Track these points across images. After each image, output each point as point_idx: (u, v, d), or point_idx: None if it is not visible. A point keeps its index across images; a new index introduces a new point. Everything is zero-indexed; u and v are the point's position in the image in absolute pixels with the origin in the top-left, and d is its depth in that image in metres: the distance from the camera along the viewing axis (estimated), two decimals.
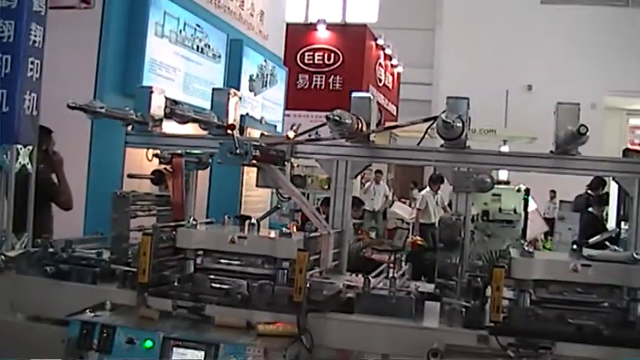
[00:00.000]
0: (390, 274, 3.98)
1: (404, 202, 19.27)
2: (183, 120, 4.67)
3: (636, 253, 3.61)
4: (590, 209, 13.56)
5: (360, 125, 4.33)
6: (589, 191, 15.75)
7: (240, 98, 5.20)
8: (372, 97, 4.61)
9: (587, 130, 3.90)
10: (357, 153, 4.56)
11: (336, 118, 4.06)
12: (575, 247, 3.87)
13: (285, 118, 14.30)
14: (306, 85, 19.76)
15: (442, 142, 4.37)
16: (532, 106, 21.51)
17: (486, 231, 10.59)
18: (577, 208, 14.53)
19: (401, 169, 24.97)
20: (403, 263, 4.49)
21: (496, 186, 11.68)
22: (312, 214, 4.35)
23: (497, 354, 3.41)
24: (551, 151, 4.39)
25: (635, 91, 25.36)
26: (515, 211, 11.13)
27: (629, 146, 21.22)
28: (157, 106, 4.80)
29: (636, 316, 3.52)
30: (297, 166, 13.60)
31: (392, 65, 24.29)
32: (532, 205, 11.92)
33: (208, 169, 5.15)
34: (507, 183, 14.05)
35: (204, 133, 4.92)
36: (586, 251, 3.79)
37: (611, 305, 3.61)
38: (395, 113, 25.00)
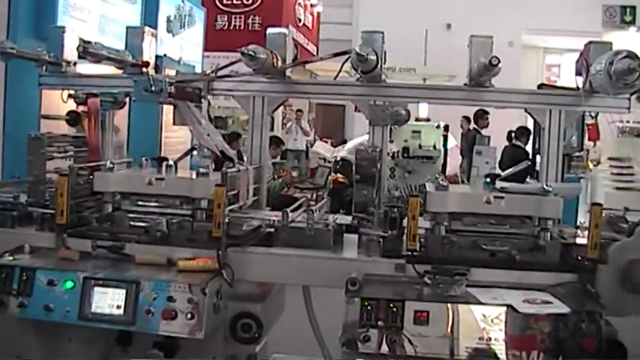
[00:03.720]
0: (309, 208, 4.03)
1: (326, 142, 19.35)
2: (97, 59, 4.60)
3: (546, 185, 3.73)
4: (514, 142, 13.87)
5: (275, 60, 4.33)
6: (474, 126, 16.12)
7: (155, 36, 5.14)
8: (287, 33, 4.60)
9: (499, 62, 3.97)
10: (273, 88, 4.56)
11: (251, 53, 4.04)
12: (488, 179, 3.97)
13: (205, 59, 14.15)
14: (225, 25, 19.50)
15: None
16: (451, 44, 21.59)
17: (407, 167, 10.65)
18: (467, 143, 14.92)
19: (322, 108, 25.00)
20: (325, 200, 4.53)
21: (416, 123, 11.83)
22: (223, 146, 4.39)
23: (415, 281, 3.50)
24: (465, 84, 4.47)
25: (552, 29, 25.68)
26: (434, 147, 11.23)
27: (546, 82, 21.59)
28: (70, 46, 4.71)
29: (546, 241, 3.65)
30: (218, 107, 13.55)
31: (311, 5, 24.12)
32: (452, 142, 12.06)
33: (127, 110, 5.10)
34: (427, 120, 14.18)
35: (120, 72, 4.87)
36: (499, 184, 3.89)
37: (524, 235, 3.72)
38: (315, 53, 24.89)
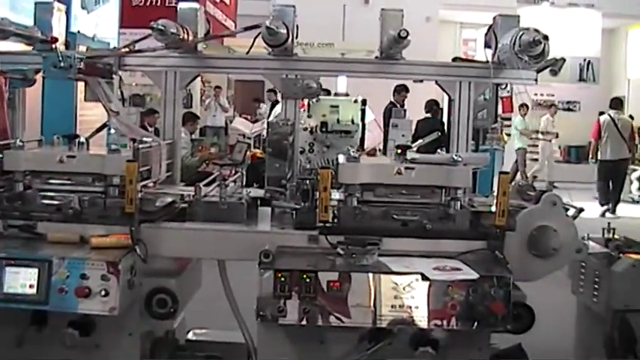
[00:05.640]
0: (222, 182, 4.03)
1: (246, 118, 19.27)
2: (4, 35, 4.49)
3: (455, 155, 3.80)
4: (428, 115, 14.06)
5: (187, 35, 4.31)
6: (392, 99, 16.28)
7: (67, 12, 5.06)
8: (198, 7, 4.58)
9: (408, 34, 4.02)
10: (185, 63, 4.54)
11: (160, 27, 4.01)
12: (399, 151, 4.03)
13: (121, 36, 13.93)
14: (141, 1, 19.08)
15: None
16: (369, 20, 21.70)
17: (325, 142, 10.72)
18: (385, 117, 15.05)
19: (241, 85, 24.87)
20: (238, 174, 4.54)
21: (334, 97, 11.89)
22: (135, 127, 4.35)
23: (328, 252, 3.55)
24: (376, 57, 4.51)
25: (468, 4, 25.94)
26: (352, 121, 11.31)
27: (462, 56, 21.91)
28: None
29: (456, 210, 3.72)
30: (136, 84, 13.38)
31: None
32: (370, 116, 12.14)
33: (40, 87, 5.01)
34: (346, 95, 14.25)
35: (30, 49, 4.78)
36: (409, 154, 3.95)
37: (434, 204, 3.79)
38: (234, 29, 24.70)
